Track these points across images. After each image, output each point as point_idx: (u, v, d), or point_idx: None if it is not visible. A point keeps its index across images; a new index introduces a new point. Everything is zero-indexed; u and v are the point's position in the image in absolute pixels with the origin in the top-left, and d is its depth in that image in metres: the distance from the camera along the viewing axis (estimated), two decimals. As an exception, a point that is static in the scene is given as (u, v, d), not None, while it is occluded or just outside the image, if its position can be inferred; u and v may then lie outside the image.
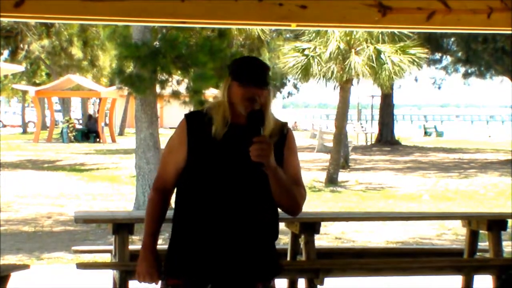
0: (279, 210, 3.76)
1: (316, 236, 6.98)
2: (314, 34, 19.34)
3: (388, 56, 18.97)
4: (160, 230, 3.80)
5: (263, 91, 3.64)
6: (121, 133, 46.17)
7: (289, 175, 3.69)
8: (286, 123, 3.82)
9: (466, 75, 35.41)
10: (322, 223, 7.32)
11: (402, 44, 19.21)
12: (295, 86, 54.61)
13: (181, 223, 3.70)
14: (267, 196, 3.65)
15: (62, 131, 39.19)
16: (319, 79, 19.84)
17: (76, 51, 37.44)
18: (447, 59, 35.98)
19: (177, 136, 3.72)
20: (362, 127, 46.68)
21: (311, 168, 25.03)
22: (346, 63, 19.05)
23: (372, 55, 18.94)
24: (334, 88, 20.93)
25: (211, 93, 14.51)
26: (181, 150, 3.68)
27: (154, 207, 3.77)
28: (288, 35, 27.85)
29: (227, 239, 3.61)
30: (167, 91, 14.10)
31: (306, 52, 19.45)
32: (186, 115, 3.75)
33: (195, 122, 3.69)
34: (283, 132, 3.75)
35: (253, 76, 3.62)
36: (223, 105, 3.65)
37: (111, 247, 7.02)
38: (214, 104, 3.71)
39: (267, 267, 3.71)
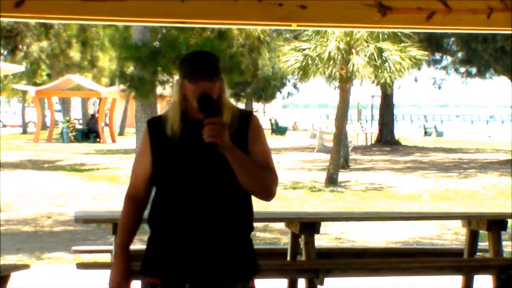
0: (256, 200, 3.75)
1: (316, 236, 6.98)
2: (314, 34, 19.35)
3: (390, 55, 18.98)
4: (133, 239, 3.82)
5: (215, 83, 3.65)
6: (121, 133, 46.18)
7: (257, 161, 3.66)
8: (251, 112, 3.81)
9: (466, 75, 35.41)
10: (322, 223, 7.32)
11: (402, 45, 19.22)
12: (295, 86, 54.63)
13: (156, 223, 3.72)
14: (237, 187, 3.64)
15: (62, 131, 39.19)
16: (319, 78, 19.86)
17: (75, 53, 37.46)
18: (447, 59, 35.99)
19: (142, 144, 3.80)
20: (362, 127, 46.68)
21: (311, 168, 25.03)
22: (349, 64, 19.04)
23: (373, 54, 18.95)
24: (333, 87, 20.95)
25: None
26: (146, 156, 3.74)
27: (126, 217, 3.81)
28: (288, 35, 27.85)
29: (200, 235, 3.62)
30: (168, 91, 14.10)
31: (306, 52, 19.46)
32: (148, 121, 3.83)
33: (155, 127, 3.74)
34: (245, 120, 3.72)
35: (201, 70, 3.63)
36: (175, 104, 3.70)
37: (111, 247, 7.02)
38: (169, 106, 3.76)
39: (246, 266, 3.71)
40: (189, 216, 3.62)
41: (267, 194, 3.70)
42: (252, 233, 3.78)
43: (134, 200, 3.80)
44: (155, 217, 3.71)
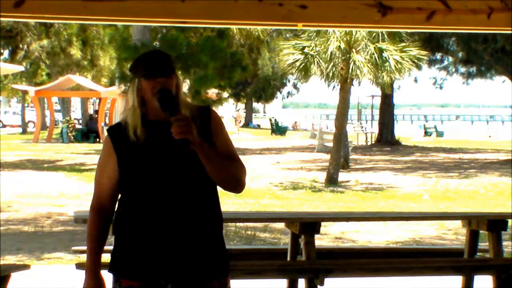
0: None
1: (316, 236, 6.98)
2: (314, 34, 19.35)
3: (390, 54, 18.98)
4: (103, 250, 3.82)
5: (171, 79, 3.67)
6: (121, 133, 46.11)
7: (222, 153, 3.69)
8: (208, 106, 3.86)
9: (466, 75, 35.41)
10: (322, 223, 7.32)
11: (402, 45, 19.23)
12: (295, 86, 54.67)
13: (126, 228, 3.72)
14: (206, 186, 3.67)
15: (62, 131, 39.19)
16: (320, 78, 19.86)
17: (75, 52, 37.47)
18: (448, 59, 35.99)
19: (104, 152, 3.77)
20: (362, 127, 46.69)
21: (311, 168, 25.03)
22: (350, 62, 19.04)
23: (374, 54, 18.95)
24: (334, 88, 20.95)
25: (212, 93, 14.52)
26: (111, 163, 3.72)
27: (94, 228, 3.81)
28: (288, 35, 27.84)
29: (174, 236, 3.62)
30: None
31: (305, 50, 19.46)
32: (107, 130, 3.82)
33: (117, 134, 3.73)
34: (205, 115, 3.75)
35: (157, 67, 3.65)
36: (133, 107, 3.68)
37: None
38: (125, 111, 3.75)
39: (220, 264, 3.72)
40: (160, 216, 3.63)
41: (238, 184, 3.73)
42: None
43: (100, 211, 3.80)
44: (125, 221, 3.71)
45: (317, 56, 19.34)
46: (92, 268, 3.77)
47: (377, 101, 42.47)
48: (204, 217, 3.68)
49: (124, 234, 3.73)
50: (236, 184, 3.73)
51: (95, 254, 3.79)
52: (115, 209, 3.79)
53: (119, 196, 3.77)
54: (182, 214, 3.63)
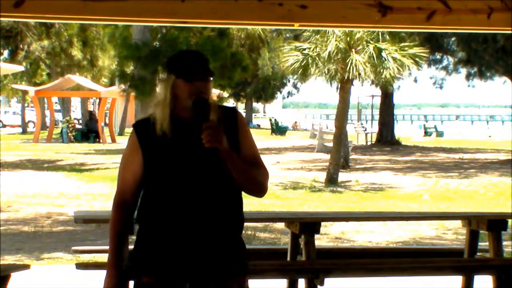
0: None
1: (316, 236, 6.97)
2: (314, 34, 19.35)
3: (389, 54, 18.98)
4: (124, 246, 3.79)
5: (208, 83, 3.68)
6: (121, 133, 46.16)
7: (247, 157, 3.70)
8: (234, 107, 3.86)
9: (466, 76, 35.40)
10: (322, 223, 7.32)
11: (402, 44, 19.23)
12: (295, 86, 54.65)
13: (148, 223, 3.70)
14: (229, 185, 3.67)
15: (62, 131, 39.19)
16: (319, 78, 19.86)
17: (76, 52, 37.45)
18: (448, 59, 35.98)
19: (129, 148, 3.75)
20: (362, 127, 46.68)
21: (311, 168, 25.03)
22: (348, 60, 19.05)
23: (373, 54, 18.96)
24: (333, 87, 20.95)
25: (212, 93, 14.50)
26: (136, 159, 3.71)
27: (117, 224, 3.77)
28: (288, 35, 27.84)
29: (195, 234, 3.62)
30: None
31: (306, 51, 19.46)
32: (133, 125, 3.80)
33: (143, 129, 3.72)
34: (232, 117, 3.75)
35: (198, 71, 3.66)
36: (164, 102, 3.67)
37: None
38: (156, 105, 3.73)
39: (240, 264, 3.72)
40: (183, 215, 3.62)
41: (261, 190, 3.77)
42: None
43: (123, 207, 3.77)
44: (148, 216, 3.70)
45: (317, 57, 19.34)
46: (115, 266, 3.73)
47: (377, 101, 42.47)
48: (226, 218, 3.67)
49: (145, 231, 3.71)
50: (259, 190, 3.77)
51: (117, 251, 3.75)
52: (140, 202, 3.77)
53: (142, 191, 3.74)
54: (204, 214, 3.62)
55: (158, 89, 3.78)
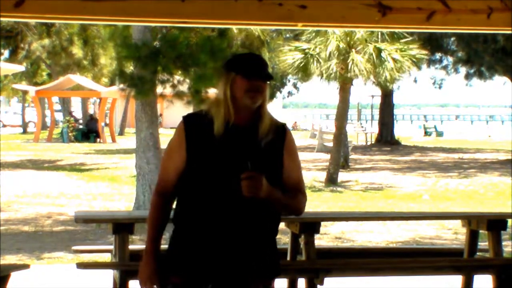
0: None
1: (316, 236, 6.98)
2: (314, 34, 19.35)
3: (389, 54, 18.99)
4: (162, 235, 3.80)
5: (266, 85, 3.68)
6: (121, 133, 46.16)
7: (290, 180, 3.71)
8: (284, 124, 3.83)
9: (466, 76, 35.40)
10: (322, 223, 7.32)
11: (402, 44, 19.23)
12: (295, 86, 54.58)
13: (183, 223, 3.71)
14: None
15: (62, 131, 39.18)
16: (320, 78, 19.86)
17: (77, 51, 37.43)
18: (448, 59, 35.98)
19: (175, 139, 3.74)
20: (362, 127, 46.68)
21: (311, 168, 25.03)
22: (348, 61, 19.05)
23: (372, 54, 18.96)
24: (333, 87, 20.94)
25: (212, 93, 14.52)
26: (181, 153, 3.69)
27: (156, 212, 3.78)
28: (288, 35, 27.84)
29: (227, 238, 3.63)
30: (168, 91, 14.10)
31: (306, 51, 19.46)
32: (184, 117, 3.76)
33: (194, 124, 3.71)
34: (281, 133, 3.75)
35: (259, 69, 3.67)
36: (226, 102, 3.66)
37: (111, 247, 7.01)
38: (214, 103, 3.71)
39: (268, 267, 3.72)
40: (222, 217, 3.62)
41: (299, 214, 3.80)
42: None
43: (163, 196, 3.76)
44: (183, 215, 3.70)
45: (317, 56, 19.34)
46: (152, 253, 3.74)
47: (377, 101, 42.47)
48: (261, 222, 3.67)
49: (180, 231, 3.71)
50: (297, 213, 3.80)
51: (154, 240, 3.76)
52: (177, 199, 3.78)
53: (180, 191, 3.74)
54: (242, 219, 3.63)
55: (217, 88, 3.76)
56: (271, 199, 3.60)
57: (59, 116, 46.61)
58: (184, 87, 14.03)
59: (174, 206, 3.81)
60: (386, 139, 39.30)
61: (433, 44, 30.42)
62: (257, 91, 3.65)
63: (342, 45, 19.19)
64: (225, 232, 3.62)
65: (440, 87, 41.17)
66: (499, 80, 36.08)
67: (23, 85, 46.97)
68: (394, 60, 19.00)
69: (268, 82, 3.69)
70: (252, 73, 3.64)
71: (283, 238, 11.31)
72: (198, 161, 3.65)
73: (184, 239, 3.69)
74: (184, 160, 3.68)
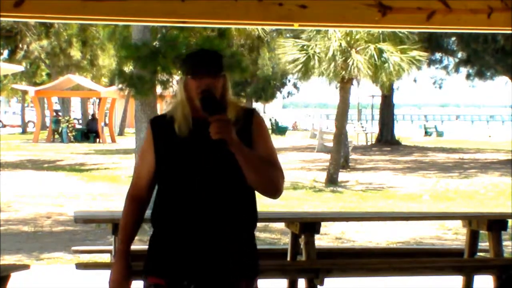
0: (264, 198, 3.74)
1: (316, 236, 6.97)
2: (314, 34, 19.35)
3: (391, 54, 18.98)
4: (134, 238, 3.81)
5: (218, 79, 3.65)
6: (121, 133, 46.16)
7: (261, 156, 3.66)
8: (254, 109, 3.81)
9: (466, 76, 35.40)
10: (322, 223, 7.32)
11: (402, 46, 19.25)
12: (295, 85, 54.59)
13: (159, 223, 3.71)
14: (242, 187, 3.63)
15: (61, 131, 39.18)
16: (320, 77, 19.87)
17: (75, 52, 37.43)
18: (448, 59, 35.99)
19: (145, 143, 3.78)
20: (362, 127, 46.68)
21: (311, 168, 25.03)
22: (348, 60, 19.05)
23: (374, 54, 18.96)
24: (333, 87, 20.94)
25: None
26: (150, 155, 3.72)
27: (128, 215, 3.79)
28: (288, 35, 27.84)
29: (202, 237, 3.61)
30: (168, 90, 14.09)
31: (305, 47, 19.47)
32: (150, 120, 3.80)
33: (159, 125, 3.73)
34: (249, 118, 3.71)
35: (204, 66, 3.63)
36: (182, 102, 3.68)
37: (111, 247, 7.01)
38: (174, 104, 3.75)
39: (250, 265, 3.70)
40: (194, 215, 3.61)
41: (275, 190, 3.67)
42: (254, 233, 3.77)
43: (136, 200, 3.78)
44: (159, 216, 3.70)
45: (317, 55, 19.34)
46: (123, 253, 3.75)
47: (377, 101, 42.48)
48: (237, 218, 3.65)
49: (158, 232, 3.71)
50: (272, 189, 3.67)
51: (126, 243, 3.77)
52: (153, 200, 3.77)
53: (157, 188, 3.74)
54: (214, 215, 3.61)
55: (176, 91, 3.79)
56: (240, 150, 3.54)
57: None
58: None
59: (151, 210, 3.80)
60: (386, 139, 39.30)
61: (433, 44, 30.42)
62: (207, 89, 3.63)
63: (343, 44, 19.17)
64: (199, 232, 3.60)
65: (440, 87, 41.17)
66: (500, 80, 36.10)
67: (22, 85, 46.98)
68: (395, 62, 19.00)
69: (221, 74, 3.65)
70: (199, 72, 3.62)
71: (283, 238, 11.32)
72: (166, 163, 3.67)
73: (162, 240, 3.68)
74: (154, 161, 3.71)
